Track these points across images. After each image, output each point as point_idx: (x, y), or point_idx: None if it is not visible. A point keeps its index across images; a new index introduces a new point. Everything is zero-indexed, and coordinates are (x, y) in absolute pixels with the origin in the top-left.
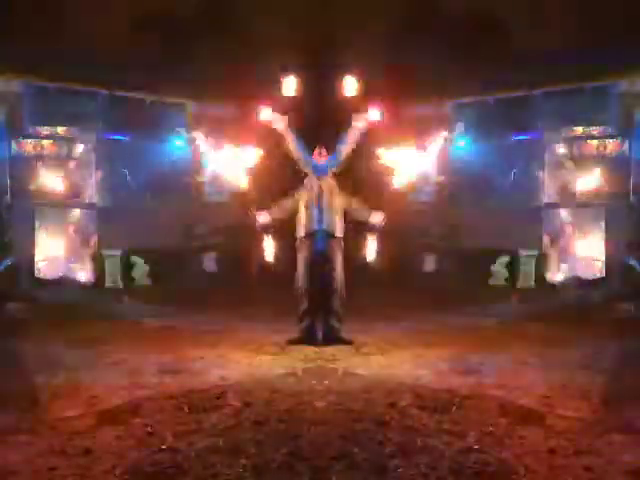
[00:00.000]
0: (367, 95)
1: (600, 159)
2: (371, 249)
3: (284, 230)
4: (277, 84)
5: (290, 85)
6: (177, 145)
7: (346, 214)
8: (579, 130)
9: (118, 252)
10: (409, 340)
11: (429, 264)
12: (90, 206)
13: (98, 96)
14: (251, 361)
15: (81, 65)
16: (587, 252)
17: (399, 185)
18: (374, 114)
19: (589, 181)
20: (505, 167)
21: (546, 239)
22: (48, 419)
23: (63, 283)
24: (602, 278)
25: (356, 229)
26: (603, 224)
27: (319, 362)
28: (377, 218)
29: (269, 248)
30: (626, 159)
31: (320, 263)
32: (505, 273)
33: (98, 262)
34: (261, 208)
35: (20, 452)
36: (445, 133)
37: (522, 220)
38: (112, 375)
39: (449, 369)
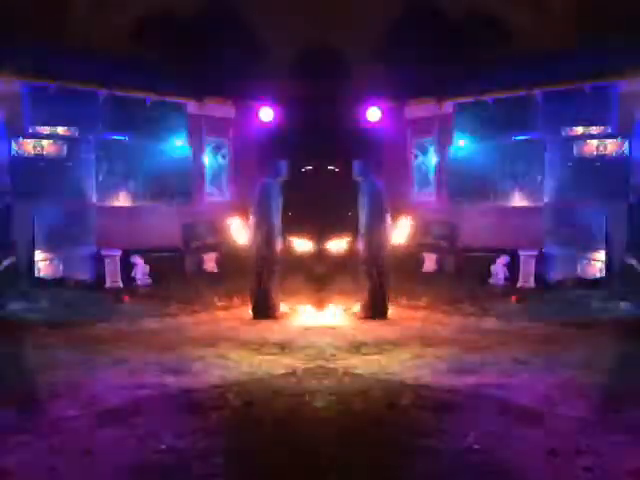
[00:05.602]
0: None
1: (600, 159)
2: None
3: None
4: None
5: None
6: (177, 145)
7: None
8: (579, 130)
9: (118, 252)
10: (409, 340)
11: (429, 264)
12: (90, 206)
13: (98, 96)
14: (251, 361)
15: (81, 65)
16: (587, 252)
17: None
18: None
19: (588, 181)
20: (505, 167)
21: (546, 239)
22: (48, 419)
23: (63, 283)
24: (602, 278)
25: None
26: (603, 224)
27: (319, 362)
28: None
29: None
30: (626, 159)
31: None
32: (505, 273)
33: (98, 262)
34: None
35: (20, 452)
36: None
37: (522, 220)
38: (112, 375)
39: (449, 369)
